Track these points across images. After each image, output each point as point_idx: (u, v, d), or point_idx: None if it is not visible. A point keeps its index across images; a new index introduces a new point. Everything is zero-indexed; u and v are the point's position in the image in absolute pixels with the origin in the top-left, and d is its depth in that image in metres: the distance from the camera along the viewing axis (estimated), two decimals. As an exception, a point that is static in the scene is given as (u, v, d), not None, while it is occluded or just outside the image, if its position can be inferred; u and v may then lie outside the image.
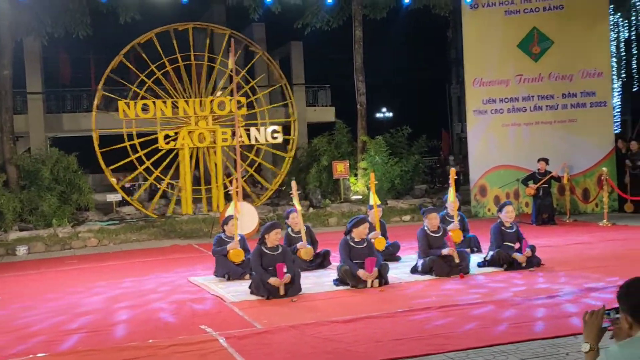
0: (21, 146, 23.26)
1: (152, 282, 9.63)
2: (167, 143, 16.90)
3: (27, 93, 25.42)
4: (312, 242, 10.03)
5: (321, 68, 30.93)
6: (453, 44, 28.07)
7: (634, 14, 20.15)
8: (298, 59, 29.67)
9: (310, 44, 28.17)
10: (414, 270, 9.04)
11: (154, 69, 17.23)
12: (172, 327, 6.79)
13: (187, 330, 6.53)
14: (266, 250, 8.14)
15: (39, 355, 5.89)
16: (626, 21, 20.66)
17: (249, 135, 17.45)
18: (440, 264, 8.73)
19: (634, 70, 22.24)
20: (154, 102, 16.79)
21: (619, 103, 21.63)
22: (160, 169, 17.19)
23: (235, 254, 9.22)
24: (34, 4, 16.15)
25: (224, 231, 9.63)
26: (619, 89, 21.51)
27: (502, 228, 9.21)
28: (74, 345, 6.21)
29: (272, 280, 7.81)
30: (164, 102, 16.86)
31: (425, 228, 9.10)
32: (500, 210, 9.41)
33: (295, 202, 10.00)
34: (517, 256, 8.90)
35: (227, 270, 9.25)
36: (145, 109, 16.75)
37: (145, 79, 17.26)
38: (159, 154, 17.23)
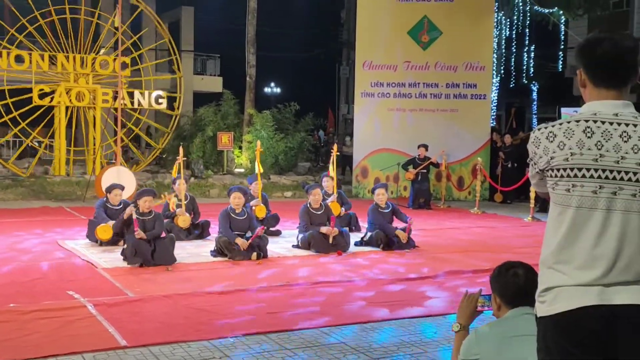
0: None
1: (18, 244, 9.08)
2: (42, 99, 15.96)
3: None
4: (195, 212, 9.89)
5: (212, 37, 30.27)
6: (346, 25, 28.26)
7: (515, 13, 21.11)
8: (188, 24, 28.91)
9: (202, 11, 27.52)
10: (296, 245, 9.10)
11: (26, 23, 16.14)
12: (37, 291, 6.43)
13: (53, 296, 6.21)
14: (140, 217, 7.97)
15: None
16: (508, 20, 21.62)
17: (132, 98, 16.83)
18: (319, 239, 8.81)
19: (512, 68, 23.38)
20: (29, 54, 15.78)
21: (496, 98, 22.66)
22: (27, 121, 16.18)
23: (103, 229, 8.81)
24: None
25: (107, 199, 9.22)
26: (497, 84, 22.51)
27: (379, 209, 9.41)
28: None
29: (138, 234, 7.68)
30: (41, 56, 15.88)
31: (308, 204, 9.16)
32: (372, 192, 9.65)
33: (178, 170, 9.80)
34: (400, 233, 9.14)
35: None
36: (20, 60, 15.71)
37: (16, 34, 16.14)
38: (30, 107, 16.21)
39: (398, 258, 8.65)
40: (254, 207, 9.51)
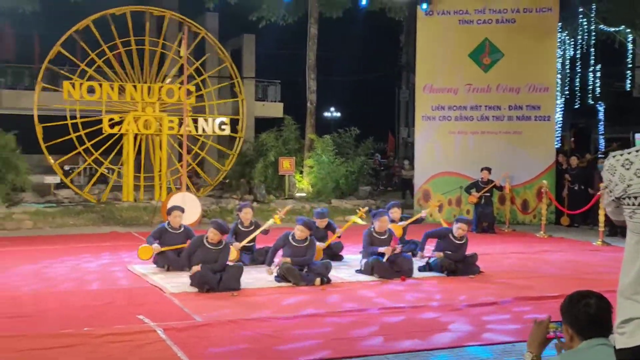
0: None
1: (89, 268, 9.37)
2: (112, 127, 16.52)
3: (-35, 66, 24.48)
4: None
5: (272, 63, 30.77)
6: (405, 49, 28.31)
7: (580, 33, 20.75)
8: (250, 52, 29.44)
9: (263, 38, 28.02)
10: (358, 270, 9.09)
11: (95, 57, 16.77)
12: (108, 316, 6.61)
13: (124, 320, 6.37)
14: (206, 244, 8.08)
15: (-34, 338, 5.64)
16: (572, 40, 21.25)
17: (196, 126, 17.24)
18: (382, 265, 8.79)
19: (576, 88, 22.90)
20: (100, 85, 16.39)
21: (561, 119, 22.22)
22: (99, 151, 16.76)
23: (144, 250, 9.02)
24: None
25: (168, 222, 9.43)
26: (561, 105, 22.09)
27: (450, 236, 9.29)
28: (6, 330, 5.98)
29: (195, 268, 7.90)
30: (111, 86, 16.47)
31: (372, 229, 9.14)
32: (456, 222, 9.40)
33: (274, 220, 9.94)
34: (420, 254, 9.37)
35: (168, 261, 9.09)
36: (91, 90, 16.32)
37: (86, 68, 16.77)
38: (100, 137, 16.78)
39: (463, 284, 8.53)
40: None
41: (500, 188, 14.87)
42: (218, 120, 17.51)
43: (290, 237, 8.59)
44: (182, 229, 9.35)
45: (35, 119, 16.22)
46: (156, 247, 9.04)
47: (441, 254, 9.14)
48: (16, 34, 27.12)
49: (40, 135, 16.19)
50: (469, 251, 9.33)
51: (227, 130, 17.67)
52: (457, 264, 9.07)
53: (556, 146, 17.51)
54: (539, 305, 7.24)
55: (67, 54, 16.72)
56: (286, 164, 18.34)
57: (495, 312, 6.97)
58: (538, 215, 15.05)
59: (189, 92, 15.93)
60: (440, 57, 16.63)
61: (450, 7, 16.67)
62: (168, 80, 17.64)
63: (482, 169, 14.68)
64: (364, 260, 9.06)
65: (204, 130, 17.38)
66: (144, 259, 9.17)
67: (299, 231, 8.53)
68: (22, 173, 16.17)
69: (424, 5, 16.60)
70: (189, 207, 12.57)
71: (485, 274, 9.15)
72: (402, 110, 33.71)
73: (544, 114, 16.35)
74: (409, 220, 10.69)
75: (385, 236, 9.14)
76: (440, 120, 16.60)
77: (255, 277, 8.65)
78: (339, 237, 10.32)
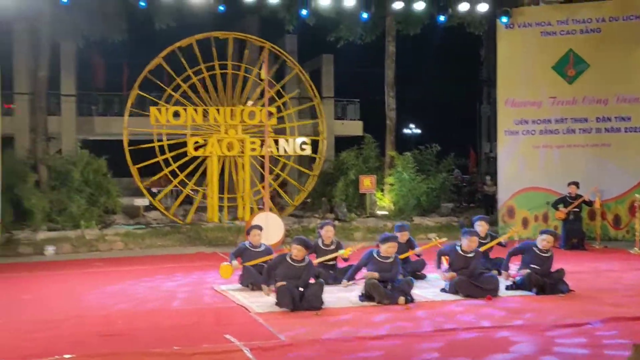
0: (53, 147, 23.56)
1: (177, 288, 9.64)
2: (196, 150, 17.01)
3: (61, 95, 25.76)
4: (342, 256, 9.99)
5: (351, 81, 30.91)
6: (485, 63, 27.87)
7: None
8: (328, 71, 29.71)
9: (341, 57, 28.20)
10: (443, 289, 8.97)
11: (180, 82, 17.34)
12: (196, 335, 6.77)
13: (211, 339, 6.50)
14: (289, 261, 8.13)
15: (65, 356, 5.90)
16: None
17: (277, 147, 17.52)
18: (467, 284, 8.63)
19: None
20: (185, 109, 16.93)
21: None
22: (185, 173, 17.27)
23: (224, 269, 9.17)
24: (72, 8, 16.36)
25: (249, 241, 9.62)
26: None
27: (536, 251, 9.05)
28: (99, 348, 6.22)
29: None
30: (195, 110, 16.98)
31: (457, 247, 8.98)
32: (541, 234, 9.19)
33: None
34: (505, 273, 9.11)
35: (252, 280, 9.23)
36: (176, 114, 16.89)
37: (172, 93, 17.37)
38: (185, 159, 17.29)
39: (551, 303, 8.25)
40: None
41: (590, 203, 14.36)
42: (299, 140, 17.74)
43: (375, 254, 8.58)
44: (263, 247, 9.50)
45: (125, 145, 16.86)
46: (235, 264, 9.25)
47: (526, 270, 8.90)
48: (106, 63, 28.43)
49: (129, 158, 16.84)
50: (556, 267, 9.03)
51: (307, 150, 17.87)
52: (544, 278, 8.78)
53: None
54: (632, 327, 6.92)
55: (154, 79, 17.37)
56: (367, 182, 18.35)
57: (574, 335, 6.68)
58: (631, 230, 14.41)
59: (270, 114, 16.22)
60: (522, 71, 16.29)
61: (532, 19, 16.34)
62: (250, 103, 18.01)
63: (569, 184, 14.23)
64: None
65: (285, 150, 17.63)
66: (225, 277, 9.37)
67: (387, 247, 8.49)
68: (113, 196, 16.88)
69: (504, 19, 16.33)
70: (271, 227, 12.80)
71: (576, 293, 8.82)
72: (483, 125, 33.18)
73: (635, 125, 15.70)
74: (490, 244, 10.37)
75: (472, 254, 8.94)
76: (524, 134, 16.23)
77: (338, 296, 8.66)
78: (419, 255, 10.24)
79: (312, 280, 8.29)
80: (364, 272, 8.66)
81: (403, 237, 10.11)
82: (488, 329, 6.88)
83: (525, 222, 16.01)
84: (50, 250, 13.90)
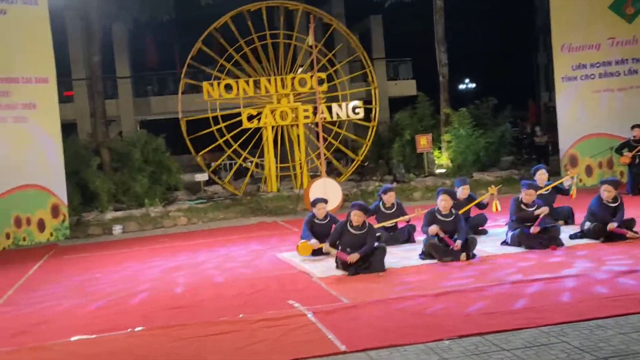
0: (113, 130, 24.16)
1: (241, 258, 9.82)
2: (251, 122, 17.14)
3: (116, 78, 26.31)
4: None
5: (401, 41, 30.43)
6: (539, 10, 27.00)
7: None
8: (378, 32, 29.33)
9: (390, 17, 27.78)
10: (504, 242, 8.86)
11: (232, 52, 17.39)
12: (261, 302, 6.89)
13: (276, 306, 6.61)
14: (350, 229, 8.10)
15: (136, 329, 6.11)
16: None
17: (330, 112, 17.48)
18: (530, 237, 8.51)
19: None
20: (236, 82, 17.04)
21: None
22: (238, 143, 17.36)
23: (303, 247, 9.14)
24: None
25: (313, 213, 9.54)
26: None
27: (602, 202, 8.81)
28: (168, 320, 6.41)
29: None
30: (247, 82, 17.07)
31: (520, 199, 8.85)
32: (601, 184, 8.97)
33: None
34: (612, 226, 8.54)
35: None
36: (228, 88, 17.01)
37: (225, 63, 17.45)
38: (238, 130, 17.42)
39: (620, 250, 8.05)
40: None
41: (656, 145, 13.83)
42: (351, 104, 17.64)
43: (436, 213, 8.52)
44: (328, 218, 9.48)
45: (182, 124, 17.08)
46: (314, 242, 9.13)
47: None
48: (157, 43, 28.82)
49: (184, 131, 17.04)
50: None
51: (360, 114, 17.76)
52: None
53: None
54: None
55: (196, 64, 17.49)
56: (423, 142, 18.17)
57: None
58: (702, 171, 13.84)
59: (320, 80, 16.17)
60: (576, 14, 15.70)
61: (585, -41, 15.69)
62: (300, 70, 17.98)
63: (633, 127, 13.73)
64: (510, 233, 8.80)
65: (338, 115, 17.57)
66: (304, 255, 9.20)
67: (443, 201, 8.43)
68: (174, 173, 17.22)
69: (556, -39, 15.73)
70: (330, 193, 12.84)
71: (644, 238, 8.58)
72: (541, 74, 32.27)
73: (702, 61, 15.01)
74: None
75: (534, 207, 8.78)
76: (583, 79, 15.71)
77: (401, 257, 8.66)
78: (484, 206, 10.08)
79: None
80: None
81: (464, 192, 9.98)
82: (550, 280, 6.76)
83: (589, 170, 15.58)
84: (117, 229, 14.34)
